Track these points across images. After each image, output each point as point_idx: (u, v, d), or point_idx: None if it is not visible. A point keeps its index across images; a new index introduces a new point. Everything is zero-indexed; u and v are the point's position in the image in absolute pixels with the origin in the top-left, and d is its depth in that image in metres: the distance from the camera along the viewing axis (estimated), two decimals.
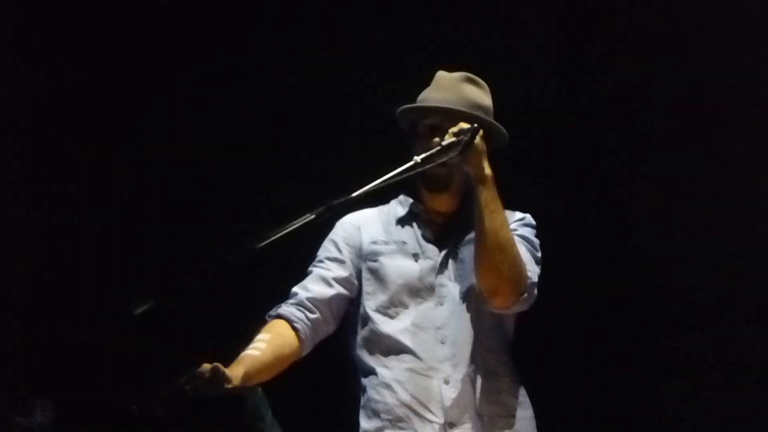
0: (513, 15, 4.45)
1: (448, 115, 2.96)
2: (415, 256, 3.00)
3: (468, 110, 2.97)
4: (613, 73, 4.42)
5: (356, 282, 3.03)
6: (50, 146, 4.39)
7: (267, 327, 2.89)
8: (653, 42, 4.32)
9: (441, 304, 2.95)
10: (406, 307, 2.96)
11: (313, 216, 2.54)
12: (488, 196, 2.84)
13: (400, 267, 2.99)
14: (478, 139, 2.83)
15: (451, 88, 3.04)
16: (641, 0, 4.41)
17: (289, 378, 2.90)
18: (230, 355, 2.68)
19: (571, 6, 4.44)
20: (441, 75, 3.10)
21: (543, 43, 4.42)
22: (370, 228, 3.08)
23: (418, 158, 2.78)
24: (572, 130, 4.48)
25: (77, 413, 3.89)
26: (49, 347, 4.03)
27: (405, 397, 2.89)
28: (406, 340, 2.92)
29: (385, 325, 2.95)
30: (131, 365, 3.55)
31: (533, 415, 2.99)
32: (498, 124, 3.04)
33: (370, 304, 2.99)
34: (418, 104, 3.07)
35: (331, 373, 3.38)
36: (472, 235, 2.94)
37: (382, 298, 2.98)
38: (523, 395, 2.98)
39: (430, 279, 2.97)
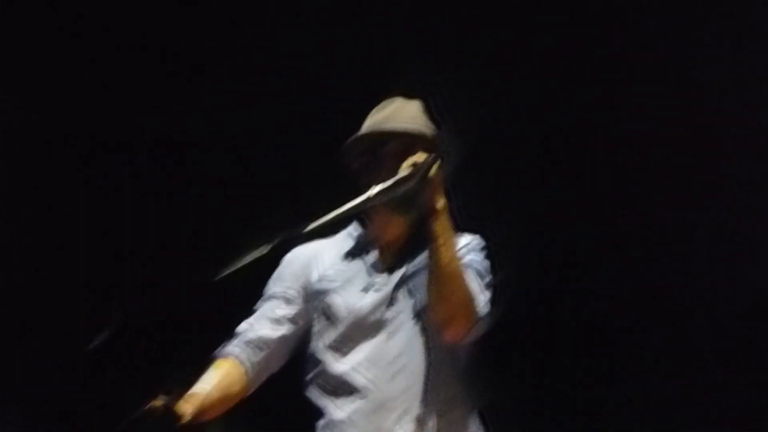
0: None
1: (416, 140, 2.94)
2: (365, 290, 2.96)
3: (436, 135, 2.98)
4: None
5: (305, 320, 2.99)
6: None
7: (215, 365, 2.86)
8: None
9: (392, 337, 2.91)
10: (357, 343, 2.92)
11: (268, 249, 2.51)
12: (440, 228, 2.81)
13: (349, 302, 2.95)
14: (434, 171, 2.81)
15: (414, 115, 3.02)
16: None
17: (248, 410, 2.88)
18: (180, 391, 2.65)
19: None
20: (400, 101, 3.07)
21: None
22: (319, 263, 3.05)
23: (373, 191, 2.76)
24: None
25: None
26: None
27: None
28: (359, 378, 2.89)
29: (337, 363, 2.91)
30: (87, 397, 3.54)
31: None
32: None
33: (321, 341, 2.95)
34: (390, 129, 3.00)
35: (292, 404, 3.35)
36: (421, 265, 2.93)
37: (332, 335, 2.94)
38: (478, 424, 2.96)
39: (381, 312, 2.93)
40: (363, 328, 2.92)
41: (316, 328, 2.97)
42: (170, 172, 4.54)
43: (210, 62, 4.52)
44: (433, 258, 2.81)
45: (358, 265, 3.01)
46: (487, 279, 2.97)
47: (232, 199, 4.45)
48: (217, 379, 2.79)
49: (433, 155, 2.83)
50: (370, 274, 2.99)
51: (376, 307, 2.93)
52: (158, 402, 2.48)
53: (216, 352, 2.90)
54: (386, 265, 3.01)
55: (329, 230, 2.84)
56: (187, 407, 2.60)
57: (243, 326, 2.97)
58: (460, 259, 2.87)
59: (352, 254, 3.04)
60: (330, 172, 3.08)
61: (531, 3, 4.43)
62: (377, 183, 2.79)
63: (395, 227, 3.02)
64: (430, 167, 2.79)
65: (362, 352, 2.91)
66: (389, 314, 2.93)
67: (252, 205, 4.40)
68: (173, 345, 3.88)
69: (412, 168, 2.79)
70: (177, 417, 2.50)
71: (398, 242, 3.03)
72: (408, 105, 3.07)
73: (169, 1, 4.45)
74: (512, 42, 4.43)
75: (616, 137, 4.48)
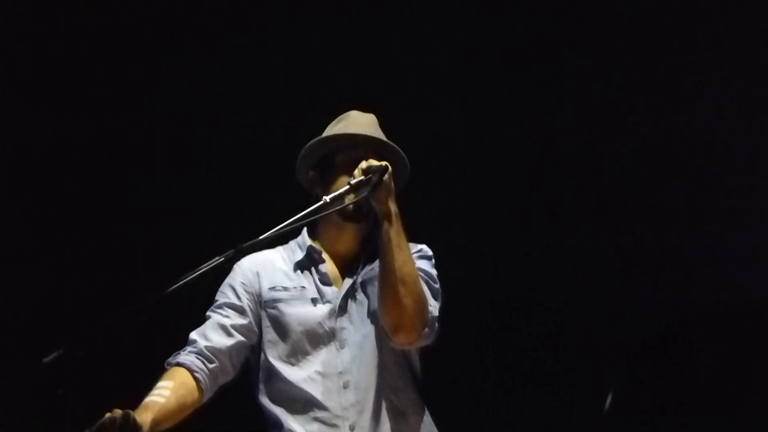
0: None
1: (370, 149, 2.99)
2: (314, 301, 2.98)
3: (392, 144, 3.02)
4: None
5: (256, 329, 3.00)
6: None
7: (168, 375, 2.85)
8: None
9: (342, 348, 2.93)
10: (307, 354, 2.93)
11: (222, 259, 2.52)
12: (393, 233, 2.85)
13: (299, 314, 2.96)
14: (386, 177, 2.84)
15: (369, 125, 3.08)
16: None
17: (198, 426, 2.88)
18: (135, 402, 2.66)
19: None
20: (355, 112, 3.12)
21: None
22: (269, 273, 3.05)
23: (327, 198, 2.79)
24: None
25: None
26: None
27: None
28: (310, 389, 2.90)
29: (288, 375, 2.92)
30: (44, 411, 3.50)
31: None
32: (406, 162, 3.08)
33: (272, 352, 2.96)
34: (345, 132, 3.05)
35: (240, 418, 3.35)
36: (370, 275, 2.97)
37: (283, 346, 2.95)
38: (432, 429, 2.98)
39: (330, 323, 2.95)
40: (313, 340, 2.94)
41: (267, 338, 2.98)
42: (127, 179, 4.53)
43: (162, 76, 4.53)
44: (387, 261, 2.84)
45: (307, 277, 3.03)
46: (437, 286, 3.02)
47: (184, 211, 4.45)
48: (172, 389, 2.78)
49: (384, 162, 2.88)
50: (320, 285, 3.01)
51: (325, 319, 2.95)
52: (119, 411, 2.47)
53: (169, 360, 2.90)
54: (334, 278, 3.03)
55: (281, 240, 2.85)
56: (146, 415, 2.60)
57: (194, 335, 2.96)
58: (413, 262, 2.92)
59: (303, 265, 3.06)
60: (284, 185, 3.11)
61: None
62: (330, 192, 2.83)
63: (347, 236, 3.04)
64: (383, 174, 2.84)
65: (313, 363, 2.92)
66: (339, 325, 2.95)
67: (205, 215, 4.42)
68: (128, 356, 3.88)
69: (363, 175, 2.84)
70: (137, 427, 2.49)
71: (349, 253, 3.06)
72: (362, 116, 3.12)
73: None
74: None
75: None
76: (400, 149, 3.05)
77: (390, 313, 2.85)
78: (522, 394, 4.48)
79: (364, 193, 2.82)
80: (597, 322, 4.44)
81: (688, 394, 4.31)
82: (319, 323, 2.95)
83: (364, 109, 3.14)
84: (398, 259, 2.84)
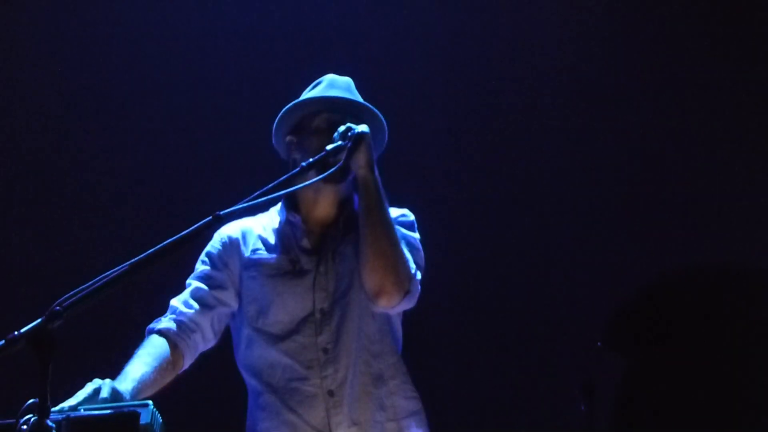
0: None
1: (347, 112, 2.98)
2: (294, 269, 2.98)
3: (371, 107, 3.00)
4: None
5: (235, 297, 3.00)
6: None
7: (148, 342, 2.84)
8: None
9: (322, 317, 2.93)
10: (286, 321, 2.93)
11: (199, 225, 2.50)
12: (374, 198, 2.85)
13: (279, 281, 2.96)
14: (365, 141, 2.83)
15: (347, 89, 3.06)
16: None
17: (179, 394, 2.86)
18: (114, 371, 2.65)
19: None
20: (331, 76, 3.11)
21: None
22: (249, 240, 3.05)
23: (304, 164, 2.76)
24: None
25: None
26: None
27: (289, 416, 2.87)
28: (289, 356, 2.90)
29: (267, 342, 2.93)
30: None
31: (423, 414, 3.00)
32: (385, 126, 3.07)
33: (251, 319, 2.96)
34: (322, 96, 3.03)
35: (223, 383, 3.34)
36: (350, 240, 2.97)
37: (262, 313, 2.95)
38: (411, 396, 2.99)
39: (310, 293, 2.95)
40: (291, 307, 2.94)
41: (246, 305, 2.98)
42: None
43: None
44: (368, 226, 2.84)
45: (286, 245, 3.02)
46: (419, 252, 3.02)
47: (164, 178, 4.43)
48: (153, 356, 2.77)
49: (364, 126, 2.86)
50: (297, 254, 3.00)
51: (305, 287, 2.95)
52: (99, 380, 2.46)
53: (149, 327, 2.89)
54: (313, 246, 3.02)
55: (261, 208, 2.83)
56: (127, 384, 2.59)
57: (175, 303, 2.96)
58: (394, 227, 2.91)
59: (280, 234, 3.05)
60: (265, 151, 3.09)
61: None
62: (308, 158, 2.79)
63: (325, 200, 3.03)
64: (363, 138, 2.82)
65: (291, 330, 2.93)
66: (318, 291, 2.95)
67: (184, 182, 4.41)
68: (108, 324, 3.87)
69: (342, 139, 2.82)
70: (118, 395, 2.47)
71: (328, 217, 3.05)
72: (339, 79, 3.09)
73: None
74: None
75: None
76: (378, 111, 3.04)
77: (372, 277, 2.85)
78: (505, 357, 4.49)
79: (342, 158, 2.80)
80: (580, 280, 4.45)
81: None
82: (299, 293, 2.95)
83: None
84: (379, 224, 2.84)
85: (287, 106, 3.05)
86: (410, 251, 2.96)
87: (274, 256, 3.00)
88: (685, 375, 4.24)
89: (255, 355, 2.95)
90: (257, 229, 3.08)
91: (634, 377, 4.31)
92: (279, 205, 3.11)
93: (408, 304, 2.94)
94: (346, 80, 3.10)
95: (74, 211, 4.42)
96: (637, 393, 4.32)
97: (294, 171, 2.70)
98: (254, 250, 3.02)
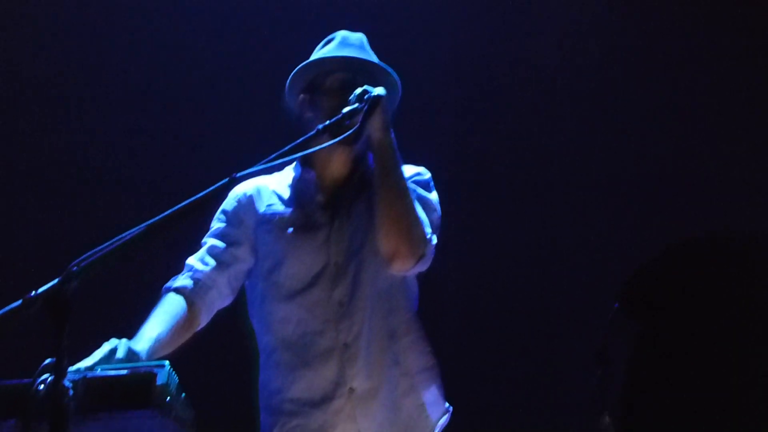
0: None
1: (360, 71, 2.95)
2: (309, 225, 2.98)
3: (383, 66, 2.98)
4: None
5: (252, 253, 3.00)
6: None
7: (164, 301, 2.85)
8: None
9: (337, 271, 2.94)
10: (301, 275, 2.94)
11: (217, 186, 2.49)
12: (390, 160, 2.84)
13: (294, 238, 2.96)
14: (381, 103, 2.80)
15: (360, 47, 3.03)
16: None
17: (196, 354, 2.88)
18: (131, 330, 2.66)
19: None
20: (343, 32, 3.08)
21: None
22: (264, 198, 3.05)
23: (320, 126, 2.74)
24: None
25: None
26: None
27: (303, 371, 2.89)
28: (303, 312, 2.91)
29: (282, 296, 2.94)
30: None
31: (437, 370, 3.02)
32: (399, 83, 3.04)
33: (266, 276, 2.97)
34: (336, 55, 3.01)
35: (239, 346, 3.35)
36: (365, 198, 2.96)
37: (277, 267, 2.96)
38: (425, 352, 3.00)
39: (325, 247, 2.96)
40: (307, 263, 2.95)
41: (261, 262, 2.99)
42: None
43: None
44: (384, 189, 2.83)
45: (302, 202, 3.03)
46: (436, 213, 3.01)
47: (181, 143, 4.44)
48: (170, 315, 2.79)
49: (380, 88, 2.83)
50: (313, 211, 3.00)
51: (320, 242, 2.96)
52: (115, 340, 2.46)
53: (165, 286, 2.90)
54: (328, 203, 3.02)
55: (275, 169, 2.83)
56: (143, 344, 2.60)
57: (191, 261, 2.96)
58: (409, 190, 2.89)
59: (296, 191, 3.05)
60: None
61: None
62: (321, 118, 2.77)
63: (338, 160, 3.02)
64: (379, 100, 2.79)
65: (307, 286, 2.93)
66: (334, 249, 2.96)
67: (201, 145, 4.41)
68: (125, 285, 3.89)
69: (358, 102, 2.79)
70: (132, 356, 2.48)
71: (341, 176, 3.05)
72: (352, 36, 3.07)
73: None
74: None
75: None
76: (392, 70, 3.01)
77: (386, 242, 2.85)
78: (521, 319, 4.50)
79: (358, 121, 2.77)
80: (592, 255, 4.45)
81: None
82: (314, 247, 2.95)
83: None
84: (395, 187, 2.83)
85: (300, 66, 3.02)
86: (426, 212, 2.95)
87: (289, 210, 3.01)
88: (702, 346, 4.24)
89: (269, 309, 2.96)
90: (272, 185, 3.09)
91: (650, 344, 4.30)
92: (294, 165, 3.11)
93: (422, 266, 2.94)
94: (359, 36, 3.08)
95: (92, 174, 4.43)
96: (652, 360, 4.31)
97: (310, 134, 2.69)
98: (269, 206, 3.03)
